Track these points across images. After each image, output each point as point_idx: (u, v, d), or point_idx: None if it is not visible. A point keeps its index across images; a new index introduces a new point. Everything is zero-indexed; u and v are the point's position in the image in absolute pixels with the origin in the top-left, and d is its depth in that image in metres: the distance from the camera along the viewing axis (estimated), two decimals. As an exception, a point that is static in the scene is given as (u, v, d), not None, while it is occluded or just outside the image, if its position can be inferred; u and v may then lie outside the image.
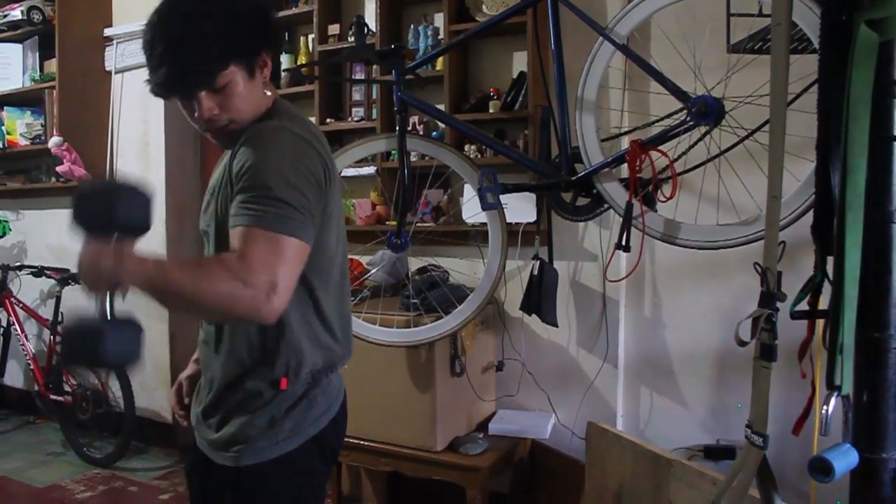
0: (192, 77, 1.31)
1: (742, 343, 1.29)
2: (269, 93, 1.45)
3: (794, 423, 1.31)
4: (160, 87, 1.33)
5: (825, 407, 1.11)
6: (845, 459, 1.07)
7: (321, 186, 1.35)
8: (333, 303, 1.46)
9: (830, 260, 1.19)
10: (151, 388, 4.03)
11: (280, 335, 1.38)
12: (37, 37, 4.25)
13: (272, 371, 1.40)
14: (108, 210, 1.24)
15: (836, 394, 1.10)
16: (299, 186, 1.29)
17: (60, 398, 3.92)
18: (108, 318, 1.26)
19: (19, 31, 4.22)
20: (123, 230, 1.25)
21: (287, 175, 1.29)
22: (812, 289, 1.24)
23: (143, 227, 1.28)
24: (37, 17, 4.11)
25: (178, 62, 1.29)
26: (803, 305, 1.25)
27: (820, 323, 1.27)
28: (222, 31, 1.31)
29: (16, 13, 4.12)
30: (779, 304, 1.24)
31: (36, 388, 4.05)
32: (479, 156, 3.01)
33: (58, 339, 3.95)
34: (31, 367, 4.01)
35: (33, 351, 4.10)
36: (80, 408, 3.89)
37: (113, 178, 1.31)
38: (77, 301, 4.22)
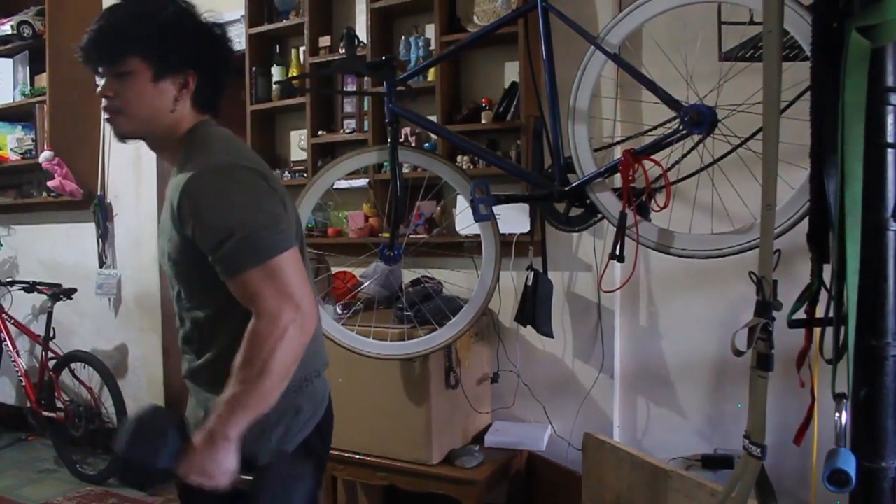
0: (97, 51, 1.40)
1: (738, 353, 1.29)
2: (190, 114, 1.45)
3: (792, 431, 1.31)
4: (79, 49, 1.42)
5: (837, 415, 1.10)
6: (852, 465, 1.06)
7: (270, 193, 1.37)
8: None
9: (826, 268, 1.19)
10: (144, 402, 4.00)
11: None
12: (27, 51, 4.24)
13: None
14: (151, 457, 1.30)
15: (846, 403, 1.09)
16: (252, 205, 1.32)
17: (53, 414, 3.88)
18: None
19: (9, 46, 4.21)
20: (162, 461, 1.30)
21: (236, 206, 1.31)
22: (809, 297, 1.23)
23: (166, 441, 1.31)
24: (27, 31, 4.10)
25: (96, 36, 1.39)
26: (800, 314, 1.25)
27: (817, 331, 1.26)
28: (144, 27, 1.38)
29: (6, 28, 4.11)
30: (775, 313, 1.23)
31: (28, 404, 4.01)
32: (471, 167, 3.01)
33: (49, 354, 3.92)
34: (23, 383, 3.97)
35: (25, 367, 4.06)
36: (72, 424, 3.85)
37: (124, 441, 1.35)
38: (68, 317, 4.21)
